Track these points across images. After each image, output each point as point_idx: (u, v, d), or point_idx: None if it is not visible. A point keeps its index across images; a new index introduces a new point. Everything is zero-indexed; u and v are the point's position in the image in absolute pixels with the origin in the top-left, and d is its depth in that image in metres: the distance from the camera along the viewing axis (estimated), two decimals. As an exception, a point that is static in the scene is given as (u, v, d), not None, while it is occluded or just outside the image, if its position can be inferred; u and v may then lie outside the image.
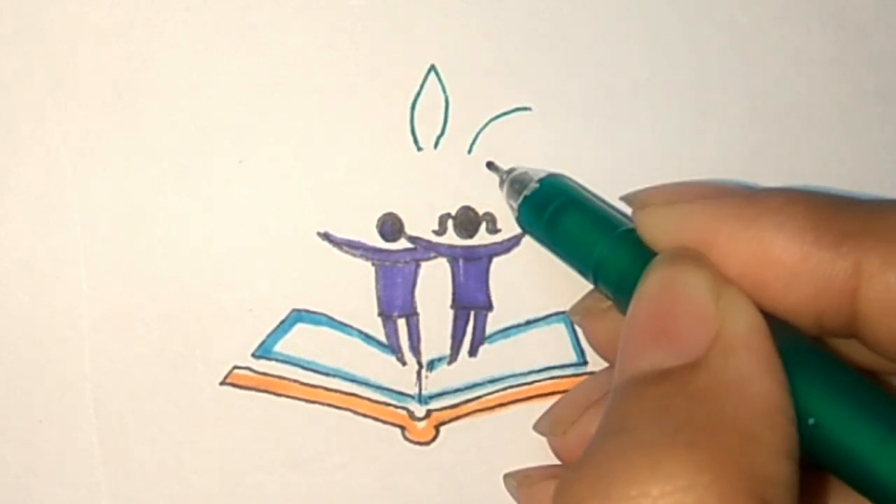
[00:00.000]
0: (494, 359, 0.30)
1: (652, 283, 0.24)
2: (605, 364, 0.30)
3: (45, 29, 0.29)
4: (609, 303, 0.27)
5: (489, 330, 0.30)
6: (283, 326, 0.30)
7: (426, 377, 0.30)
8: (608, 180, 0.30)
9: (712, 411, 0.21)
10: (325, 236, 0.30)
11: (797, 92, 0.31)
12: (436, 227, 0.30)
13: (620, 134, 0.31)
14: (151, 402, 0.30)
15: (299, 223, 0.30)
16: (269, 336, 0.30)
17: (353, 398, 0.30)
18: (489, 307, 0.30)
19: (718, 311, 0.23)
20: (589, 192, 0.29)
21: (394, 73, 0.30)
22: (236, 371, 0.30)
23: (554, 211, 0.28)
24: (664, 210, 0.25)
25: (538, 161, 0.30)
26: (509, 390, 0.30)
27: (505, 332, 0.30)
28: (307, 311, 0.30)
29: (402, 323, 0.30)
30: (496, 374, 0.30)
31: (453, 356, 0.30)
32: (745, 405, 0.21)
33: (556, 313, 0.30)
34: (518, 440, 0.30)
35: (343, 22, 0.30)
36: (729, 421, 0.21)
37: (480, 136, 0.30)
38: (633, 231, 0.26)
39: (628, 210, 0.27)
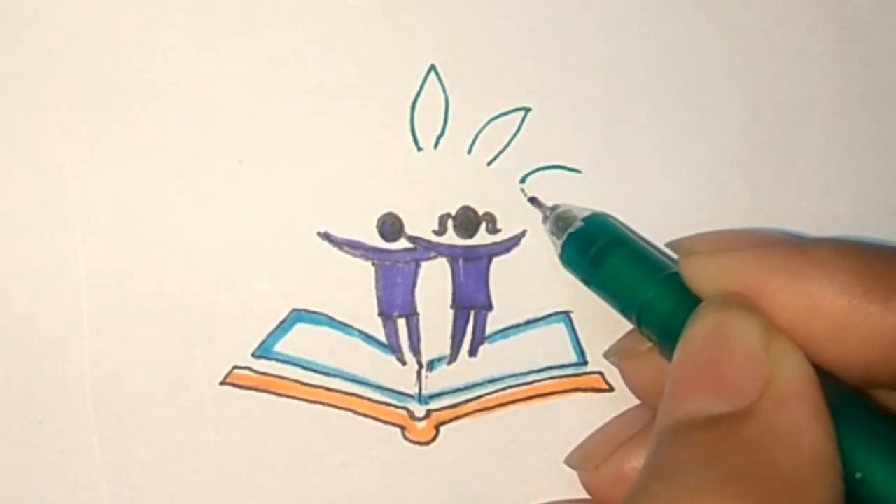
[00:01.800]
0: (494, 359, 0.30)
1: (701, 327, 0.24)
2: (607, 366, 0.30)
3: (45, 29, 0.29)
4: (648, 344, 0.27)
5: (489, 330, 0.30)
6: (283, 326, 0.30)
7: (426, 377, 0.30)
8: (608, 180, 0.30)
9: (762, 461, 0.21)
10: (325, 236, 0.30)
11: (797, 92, 0.31)
12: (436, 227, 0.30)
13: (620, 134, 0.31)
14: (151, 402, 0.29)
15: (299, 223, 0.30)
16: (269, 336, 0.30)
17: (353, 398, 0.30)
18: (489, 307, 0.30)
19: (769, 360, 0.23)
20: (633, 231, 0.29)
21: (394, 73, 0.30)
22: (236, 371, 0.30)
23: (598, 250, 0.28)
24: (711, 258, 0.25)
25: (538, 161, 0.30)
26: (509, 390, 0.30)
27: (505, 332, 0.30)
28: (307, 311, 0.30)
29: (402, 323, 0.30)
30: (496, 374, 0.30)
31: (453, 356, 0.30)
32: (796, 456, 0.21)
33: (556, 313, 0.30)
34: (518, 440, 0.30)
35: (343, 22, 0.30)
36: (779, 471, 0.21)
37: (480, 136, 0.30)
38: (677, 275, 0.26)
39: (672, 252, 0.27)
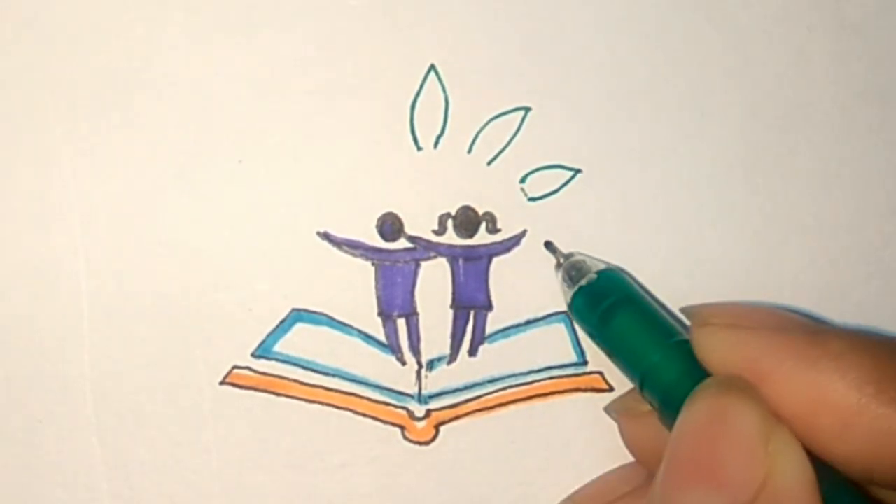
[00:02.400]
0: (494, 359, 0.30)
1: (699, 411, 0.23)
2: (601, 363, 0.30)
3: (45, 29, 0.29)
4: (648, 406, 0.27)
5: (489, 330, 0.30)
6: (283, 326, 0.30)
7: (426, 377, 0.30)
8: (608, 180, 0.30)
9: None
10: (325, 236, 0.30)
11: (797, 92, 0.31)
12: (436, 227, 0.30)
13: (620, 134, 0.31)
14: (151, 402, 0.29)
15: (299, 223, 0.30)
16: (268, 336, 0.30)
17: (352, 398, 0.30)
18: (489, 307, 0.30)
19: (768, 455, 0.22)
20: (646, 290, 0.29)
21: (394, 73, 0.30)
22: (236, 371, 0.30)
23: (608, 307, 0.27)
24: (724, 332, 0.25)
25: (538, 160, 0.30)
26: (509, 390, 0.30)
27: (505, 331, 0.30)
28: (307, 311, 0.30)
29: (401, 323, 0.30)
30: (496, 374, 0.30)
31: (453, 356, 0.30)
32: None
33: (556, 313, 0.30)
34: (518, 440, 0.30)
35: (343, 22, 0.30)
36: None
37: (480, 135, 0.30)
38: (686, 343, 0.26)
39: (684, 317, 0.27)
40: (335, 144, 0.30)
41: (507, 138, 0.30)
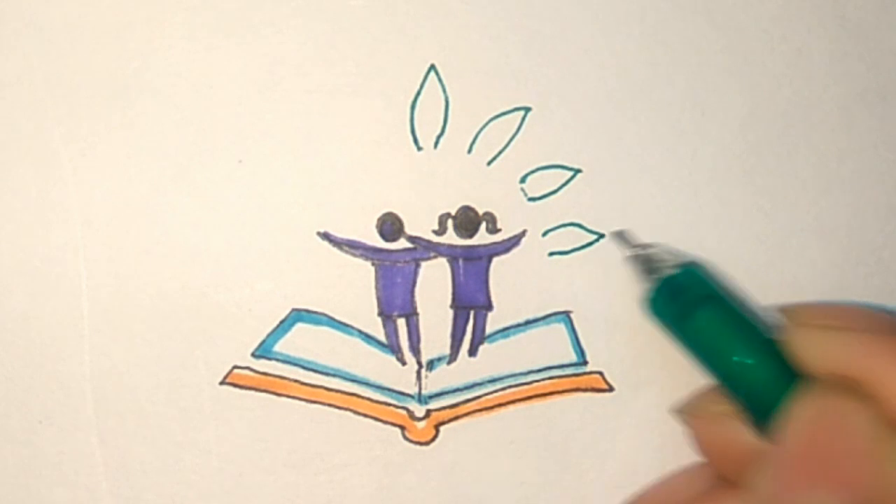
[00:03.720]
0: (494, 359, 0.30)
1: (811, 412, 0.23)
2: (596, 363, 0.30)
3: (45, 29, 0.29)
4: (724, 405, 0.26)
5: (489, 330, 0.30)
6: (283, 326, 0.30)
7: (426, 377, 0.30)
8: (608, 180, 0.30)
9: None
10: (325, 236, 0.30)
11: (797, 92, 0.31)
12: (436, 227, 0.30)
13: (620, 134, 0.31)
14: (151, 402, 0.30)
15: (299, 223, 0.30)
16: (269, 336, 0.30)
17: (353, 398, 0.30)
18: (489, 307, 0.30)
19: (884, 460, 0.22)
20: (728, 284, 0.28)
21: (394, 73, 0.30)
22: (236, 371, 0.30)
23: (692, 301, 0.27)
24: (827, 334, 0.24)
25: (538, 160, 0.30)
26: (509, 390, 0.30)
27: (505, 331, 0.30)
28: (307, 311, 0.30)
29: (401, 323, 0.30)
30: (496, 374, 0.30)
31: (453, 356, 0.30)
32: None
33: (556, 313, 0.30)
34: (518, 440, 0.30)
35: (343, 22, 0.30)
36: None
37: (480, 135, 0.30)
38: (774, 342, 0.25)
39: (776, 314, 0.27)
40: (335, 144, 0.30)
41: (507, 138, 0.30)
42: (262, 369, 0.30)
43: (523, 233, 0.30)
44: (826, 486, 0.22)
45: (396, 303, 0.30)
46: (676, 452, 0.30)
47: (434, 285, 0.30)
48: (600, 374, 0.31)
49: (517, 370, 0.30)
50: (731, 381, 0.26)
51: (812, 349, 0.24)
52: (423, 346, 0.30)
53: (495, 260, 0.30)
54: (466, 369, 0.30)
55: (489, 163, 0.30)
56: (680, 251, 0.29)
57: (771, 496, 0.23)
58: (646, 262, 0.28)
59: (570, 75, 0.30)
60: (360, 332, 0.30)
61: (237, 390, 0.30)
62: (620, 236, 0.29)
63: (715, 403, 0.27)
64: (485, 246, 0.30)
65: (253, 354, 0.30)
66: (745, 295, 0.28)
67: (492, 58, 0.30)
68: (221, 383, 0.30)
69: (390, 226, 0.30)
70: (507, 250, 0.30)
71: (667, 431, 0.30)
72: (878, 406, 0.23)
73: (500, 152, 0.30)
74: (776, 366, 0.25)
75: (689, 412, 0.28)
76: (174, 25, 0.29)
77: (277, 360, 0.30)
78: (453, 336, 0.30)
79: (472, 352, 0.30)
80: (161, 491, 0.30)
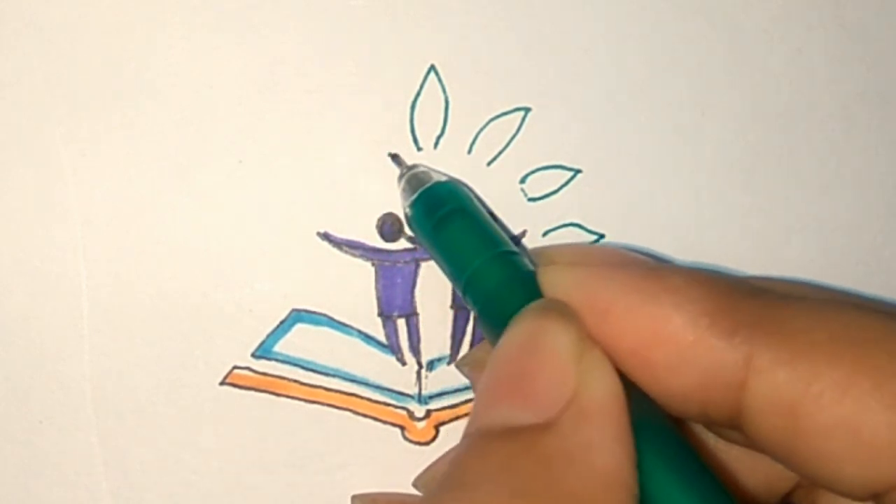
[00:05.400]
0: (494, 359, 0.30)
1: (517, 333, 0.23)
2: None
3: (45, 29, 0.29)
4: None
5: (489, 330, 0.30)
6: (283, 326, 0.30)
7: (426, 377, 0.30)
8: (608, 180, 0.30)
9: (554, 478, 0.20)
10: (325, 236, 0.30)
11: (797, 92, 0.31)
12: (436, 227, 0.30)
13: (620, 134, 0.31)
14: (151, 402, 0.30)
15: (299, 223, 0.30)
16: (268, 336, 0.30)
17: (352, 398, 0.30)
18: (489, 307, 0.30)
19: (579, 372, 0.22)
20: (486, 207, 0.29)
21: (394, 73, 0.30)
22: (236, 371, 0.30)
23: (444, 215, 0.27)
24: (566, 270, 0.24)
25: (538, 161, 0.30)
26: (509, 390, 0.30)
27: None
28: (307, 311, 0.30)
29: (401, 323, 0.30)
30: (496, 374, 0.30)
31: (453, 356, 0.30)
32: (589, 476, 0.21)
33: (556, 313, 0.30)
34: (518, 440, 0.30)
35: (343, 22, 0.30)
36: (568, 491, 0.20)
37: (480, 136, 0.30)
38: (514, 254, 0.26)
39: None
40: (335, 144, 0.30)
41: (507, 138, 0.30)
42: (261, 369, 0.30)
43: (523, 233, 0.30)
44: (513, 403, 0.22)
45: (396, 303, 0.30)
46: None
47: (434, 285, 0.30)
48: (600, 374, 0.31)
49: (517, 370, 0.30)
50: (469, 288, 0.26)
51: (554, 286, 0.24)
52: (423, 346, 0.30)
53: (495, 260, 0.30)
54: (466, 369, 0.30)
55: (489, 163, 0.30)
56: (443, 173, 0.29)
57: (470, 420, 0.23)
58: (411, 180, 0.29)
59: (570, 75, 0.30)
60: (359, 332, 0.30)
61: (237, 390, 0.30)
62: (395, 158, 0.29)
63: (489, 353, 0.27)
64: (485, 246, 0.30)
65: (253, 355, 0.30)
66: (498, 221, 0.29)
67: (492, 58, 0.30)
68: (221, 383, 0.30)
69: (390, 226, 0.30)
70: (507, 250, 0.30)
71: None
72: (578, 325, 0.23)
73: (500, 152, 0.30)
74: (508, 273, 0.25)
75: (465, 364, 0.29)
76: (174, 25, 0.29)
77: (277, 360, 0.30)
78: (453, 336, 0.30)
79: (472, 352, 0.30)
80: (161, 491, 0.30)
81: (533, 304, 0.24)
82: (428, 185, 0.28)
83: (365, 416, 0.30)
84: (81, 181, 0.29)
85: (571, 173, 0.30)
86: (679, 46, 0.31)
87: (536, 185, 0.30)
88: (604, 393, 0.22)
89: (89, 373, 0.29)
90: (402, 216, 0.30)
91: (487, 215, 0.28)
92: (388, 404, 0.30)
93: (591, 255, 0.26)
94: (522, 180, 0.30)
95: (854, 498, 0.23)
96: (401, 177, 0.29)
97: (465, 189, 0.29)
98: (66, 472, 0.29)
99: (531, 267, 0.26)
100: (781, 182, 0.31)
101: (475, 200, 0.28)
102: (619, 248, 0.30)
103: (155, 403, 0.30)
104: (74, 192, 0.29)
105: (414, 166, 0.29)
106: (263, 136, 0.30)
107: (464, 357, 0.30)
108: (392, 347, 0.30)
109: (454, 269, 0.27)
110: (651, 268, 0.25)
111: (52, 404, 0.29)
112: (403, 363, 0.30)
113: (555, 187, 0.30)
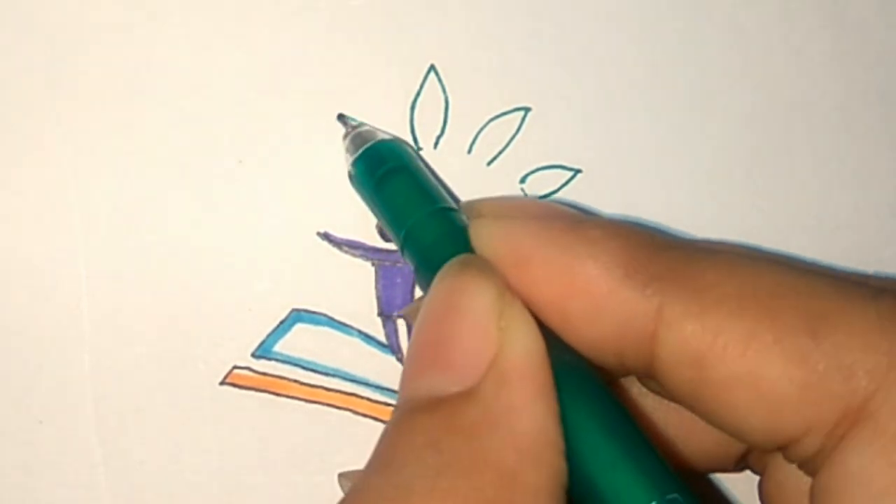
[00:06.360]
0: (494, 359, 0.30)
1: (437, 293, 0.23)
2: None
3: (45, 29, 0.29)
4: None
5: (489, 330, 0.30)
6: (283, 326, 0.30)
7: (426, 377, 0.30)
8: (608, 180, 0.30)
9: (478, 450, 0.20)
10: (325, 236, 0.30)
11: (797, 92, 0.31)
12: (436, 227, 0.30)
13: (620, 134, 0.31)
14: (151, 402, 0.29)
15: (299, 223, 0.30)
16: (268, 336, 0.30)
17: (352, 398, 0.30)
18: (489, 307, 0.30)
19: (499, 331, 0.22)
20: (429, 168, 0.29)
21: (394, 73, 0.30)
22: (236, 371, 0.30)
23: (385, 172, 0.27)
24: (492, 223, 0.24)
25: (538, 161, 0.30)
26: (509, 390, 0.30)
27: (505, 332, 0.30)
28: (307, 311, 0.30)
29: (401, 323, 0.30)
30: (496, 374, 0.30)
31: (453, 356, 0.30)
32: (511, 442, 0.20)
33: (556, 313, 0.30)
34: (518, 440, 0.30)
35: (343, 22, 0.30)
36: (491, 459, 0.20)
37: (480, 136, 0.30)
38: (451, 210, 0.26)
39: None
40: (335, 144, 0.30)
41: (507, 138, 0.30)
42: (261, 369, 0.30)
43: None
44: (435, 372, 0.21)
45: (396, 303, 0.30)
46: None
47: (434, 285, 0.30)
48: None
49: (517, 370, 0.30)
50: (407, 243, 0.26)
51: (481, 238, 0.24)
52: (423, 346, 0.30)
53: (495, 260, 0.30)
54: (466, 369, 0.30)
55: (489, 163, 0.30)
56: (386, 132, 0.29)
57: (399, 386, 0.22)
58: (355, 139, 0.29)
59: (570, 75, 0.30)
60: (359, 332, 0.30)
61: (237, 390, 0.30)
62: (341, 118, 0.29)
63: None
64: (485, 246, 0.30)
65: (253, 355, 0.30)
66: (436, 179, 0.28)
67: (492, 58, 0.30)
68: (221, 383, 0.30)
69: (390, 226, 0.30)
70: (507, 250, 0.30)
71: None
72: (497, 280, 0.23)
73: (500, 152, 0.30)
74: (444, 229, 0.25)
75: (410, 313, 0.29)
76: (174, 25, 0.29)
77: (277, 360, 0.30)
78: (453, 336, 0.30)
79: (472, 352, 0.30)
80: (161, 491, 0.30)
81: (453, 261, 0.24)
82: (370, 143, 0.28)
83: (365, 416, 0.30)
84: (81, 181, 0.29)
85: (571, 173, 0.30)
86: (679, 46, 0.31)
87: (536, 185, 0.30)
88: (524, 351, 0.21)
89: (89, 373, 0.29)
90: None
91: (429, 174, 0.28)
92: (388, 404, 0.30)
93: (518, 209, 0.26)
94: (522, 180, 0.30)
95: (761, 450, 0.24)
96: (345, 136, 0.29)
97: (408, 148, 0.29)
98: (66, 472, 0.29)
99: (466, 222, 0.26)
100: (781, 182, 0.31)
101: (417, 159, 0.28)
102: (547, 202, 0.29)
103: (155, 403, 0.30)
104: (74, 192, 0.29)
105: (359, 125, 0.29)
106: (263, 136, 0.30)
107: (408, 307, 0.29)
108: (392, 347, 0.30)
109: (394, 227, 0.27)
110: (573, 220, 0.24)
111: (52, 404, 0.29)
112: (403, 363, 0.30)
113: (555, 187, 0.30)
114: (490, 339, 0.22)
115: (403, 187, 0.27)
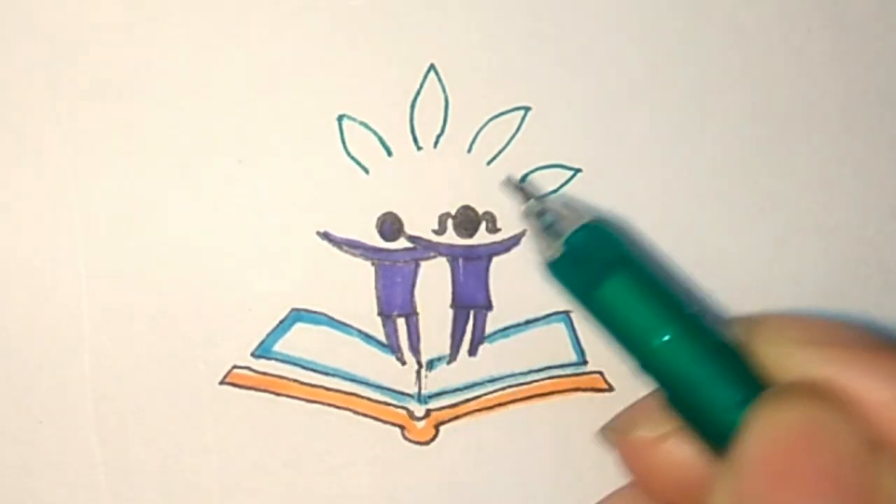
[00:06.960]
0: (494, 358, 0.30)
1: (789, 419, 0.21)
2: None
3: (45, 29, 0.29)
4: (667, 427, 0.23)
5: (489, 329, 0.30)
6: (283, 326, 0.30)
7: (426, 377, 0.30)
8: (608, 180, 0.30)
9: None
10: (325, 236, 0.30)
11: (797, 92, 0.31)
12: (435, 227, 0.30)
13: (620, 134, 0.31)
14: (151, 402, 0.30)
15: (299, 223, 0.30)
16: (268, 336, 0.30)
17: (352, 398, 0.30)
18: (489, 307, 0.30)
19: (877, 475, 0.20)
20: (641, 246, 0.25)
21: (394, 73, 0.30)
22: (236, 371, 0.30)
23: (601, 267, 0.23)
24: (805, 351, 0.22)
25: (538, 160, 0.30)
26: (509, 390, 0.30)
27: (504, 331, 0.30)
28: (307, 311, 0.30)
29: (401, 322, 0.30)
30: (496, 374, 0.30)
31: (453, 356, 0.30)
32: None
33: (556, 313, 0.30)
34: (518, 440, 0.30)
35: (343, 22, 0.30)
36: None
37: (480, 135, 0.30)
38: (702, 317, 0.22)
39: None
40: (335, 144, 0.30)
41: (507, 138, 0.30)
42: (261, 369, 0.30)
43: (523, 232, 0.30)
44: (809, 493, 0.20)
45: (396, 302, 0.30)
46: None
47: (434, 285, 0.30)
48: (600, 373, 0.31)
49: (517, 370, 0.30)
50: (651, 368, 0.22)
51: (786, 366, 0.22)
52: (422, 345, 0.30)
53: (495, 260, 0.30)
54: (466, 369, 0.30)
55: (489, 162, 0.30)
56: (583, 204, 0.26)
57: (748, 496, 0.21)
58: (542, 216, 0.25)
59: (570, 75, 0.30)
60: (359, 331, 0.30)
61: (237, 390, 0.30)
62: (519, 188, 0.25)
63: (652, 422, 0.24)
64: (485, 245, 0.30)
65: (253, 354, 0.30)
66: (663, 264, 0.25)
67: (492, 58, 0.30)
68: (221, 383, 0.30)
69: (390, 225, 0.30)
70: (507, 250, 0.30)
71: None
72: (861, 419, 0.21)
73: (499, 152, 0.30)
74: (699, 347, 0.22)
75: (620, 431, 0.25)
76: (174, 25, 0.29)
77: (277, 359, 0.30)
78: (453, 336, 0.30)
79: (472, 352, 0.30)
80: (161, 491, 0.30)
81: (795, 386, 0.22)
82: (575, 227, 0.24)
83: (365, 415, 0.30)
84: (81, 181, 0.29)
85: (571, 173, 0.30)
86: (679, 46, 0.31)
87: (536, 185, 0.30)
88: None
89: (89, 373, 0.29)
90: (401, 216, 0.30)
91: (651, 260, 0.24)
92: (388, 404, 0.30)
93: (822, 332, 0.23)
94: (522, 179, 0.30)
95: None
96: (528, 212, 0.26)
97: (617, 228, 0.25)
98: (66, 472, 0.29)
99: (725, 334, 0.22)
100: (781, 182, 0.31)
101: (631, 242, 0.24)
102: (841, 321, 0.26)
103: (155, 403, 0.30)
104: (74, 192, 0.29)
105: (544, 197, 0.26)
106: (263, 136, 0.30)
107: (616, 420, 0.26)
108: (392, 347, 0.30)
109: (625, 343, 0.23)
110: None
111: (52, 404, 0.29)
112: (403, 363, 0.30)
113: (555, 187, 0.30)
114: (870, 478, 0.20)
115: (631, 287, 0.22)
